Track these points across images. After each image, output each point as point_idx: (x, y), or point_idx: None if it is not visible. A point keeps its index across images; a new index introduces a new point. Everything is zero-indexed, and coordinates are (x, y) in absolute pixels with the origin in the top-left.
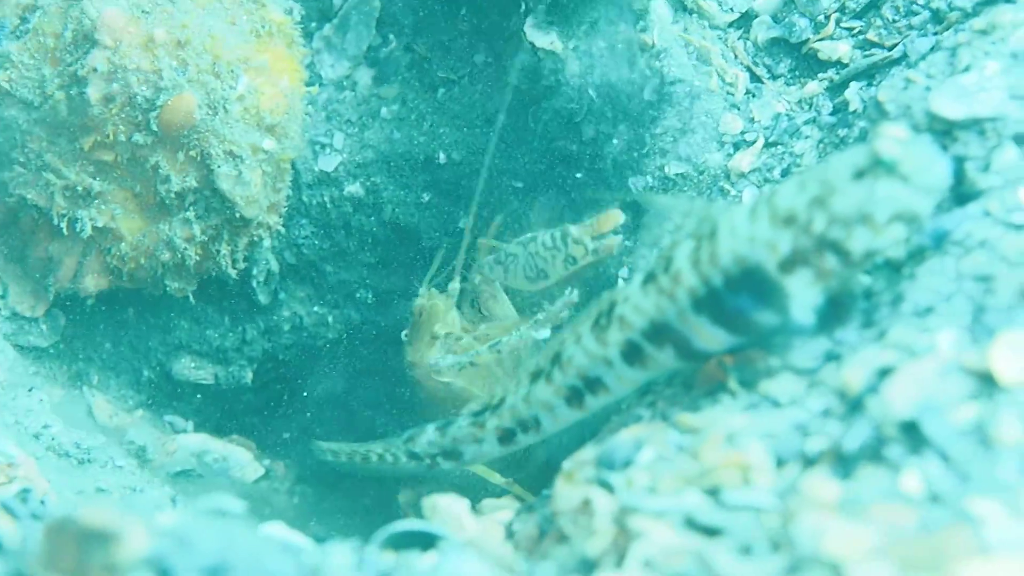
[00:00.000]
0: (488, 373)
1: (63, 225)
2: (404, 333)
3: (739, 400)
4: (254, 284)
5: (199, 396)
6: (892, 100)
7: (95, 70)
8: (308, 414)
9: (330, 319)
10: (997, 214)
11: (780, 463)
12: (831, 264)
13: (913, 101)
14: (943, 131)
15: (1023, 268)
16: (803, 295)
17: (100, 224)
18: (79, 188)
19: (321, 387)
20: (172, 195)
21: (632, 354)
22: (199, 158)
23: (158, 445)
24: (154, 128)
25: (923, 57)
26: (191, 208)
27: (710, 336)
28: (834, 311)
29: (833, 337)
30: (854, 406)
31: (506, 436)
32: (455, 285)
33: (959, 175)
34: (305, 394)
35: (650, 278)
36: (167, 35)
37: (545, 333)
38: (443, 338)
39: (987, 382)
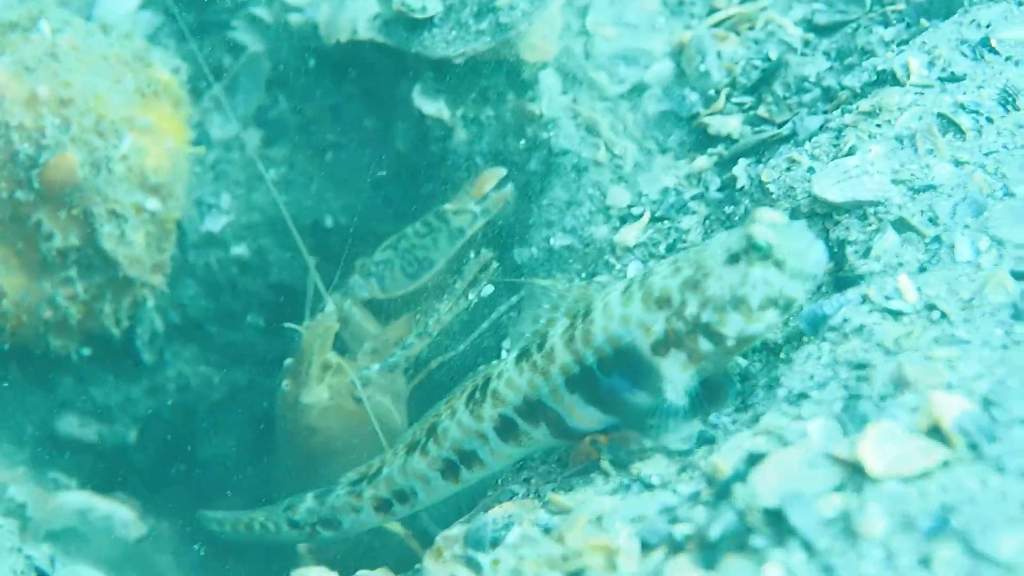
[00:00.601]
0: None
1: None
2: (284, 381)
3: (611, 481)
4: (138, 344)
5: (83, 454)
6: (775, 180)
7: None
8: (195, 473)
9: (216, 380)
10: (875, 300)
11: (646, 547)
12: (705, 347)
13: (796, 182)
14: (825, 214)
15: (898, 356)
16: (676, 377)
17: None
18: None
19: (208, 447)
20: (54, 253)
21: (506, 430)
22: (82, 217)
23: (39, 502)
24: (36, 186)
25: (811, 136)
26: (73, 266)
27: (583, 415)
28: (708, 394)
29: (707, 420)
30: (722, 492)
31: (383, 506)
32: (331, 308)
33: (840, 259)
34: (190, 451)
35: (524, 355)
36: (51, 93)
37: (486, 290)
38: (334, 367)
39: (856, 472)
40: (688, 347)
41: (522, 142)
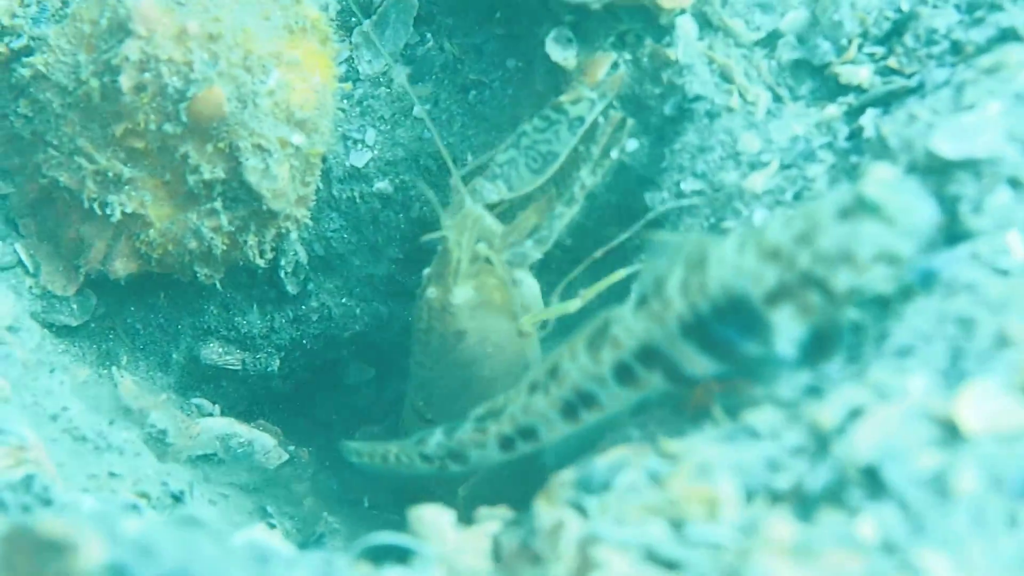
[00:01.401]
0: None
1: (94, 208)
2: (428, 288)
3: (721, 428)
4: (282, 274)
5: (226, 382)
6: (895, 134)
7: (128, 59)
8: (337, 402)
9: (358, 311)
10: (984, 257)
11: (749, 497)
12: (814, 300)
13: (915, 137)
14: (940, 169)
15: (1004, 314)
16: (787, 328)
17: (129, 210)
18: (110, 173)
19: (350, 376)
20: (200, 185)
21: (624, 374)
22: (228, 150)
23: (181, 429)
24: (184, 119)
25: (936, 89)
26: (219, 198)
27: (697, 362)
28: (819, 345)
29: (816, 371)
30: (822, 446)
31: (506, 443)
32: (470, 203)
33: (952, 215)
34: (332, 380)
35: (642, 302)
36: (200, 28)
37: (630, 145)
38: (483, 258)
39: (951, 430)
40: (799, 299)
41: (657, 88)
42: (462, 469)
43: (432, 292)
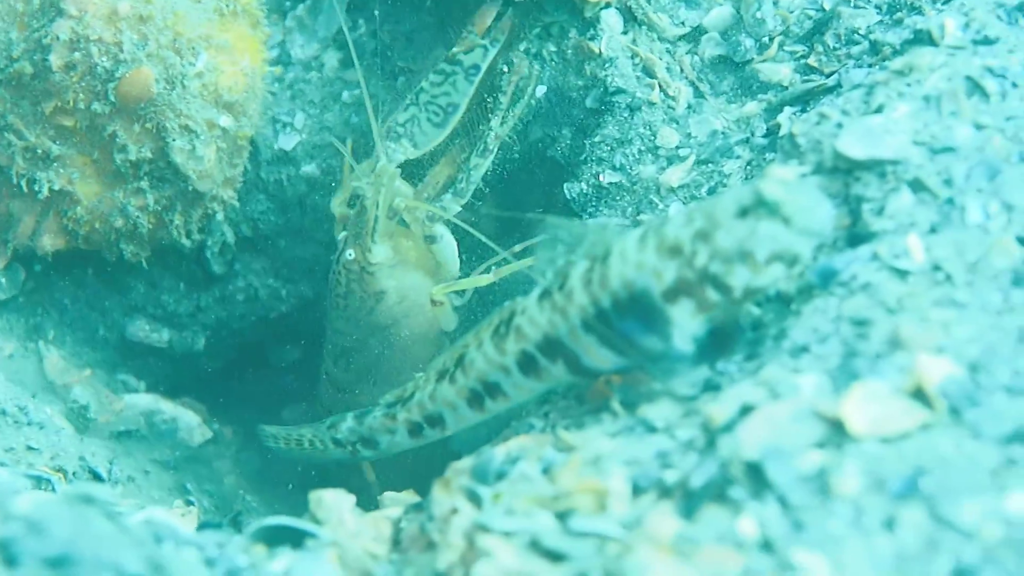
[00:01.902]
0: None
1: (22, 184)
2: (346, 251)
3: (618, 421)
4: (208, 254)
5: (153, 359)
6: (804, 134)
7: (59, 38)
8: (261, 381)
9: (283, 292)
10: (885, 258)
11: (637, 491)
12: (712, 297)
13: (824, 136)
14: (847, 170)
15: (898, 316)
16: (685, 324)
17: (57, 187)
18: (39, 150)
19: (274, 356)
20: (128, 164)
21: (527, 364)
22: (155, 130)
23: (104, 404)
24: (112, 99)
25: (851, 89)
26: (145, 178)
27: (597, 355)
28: (718, 342)
29: (715, 367)
30: (710, 442)
31: (415, 429)
32: (384, 160)
33: (856, 216)
34: (257, 360)
35: (546, 294)
36: (130, 9)
37: (540, 91)
38: (403, 210)
39: (838, 430)
40: (697, 296)
41: (580, 80)
42: (373, 454)
43: (350, 254)
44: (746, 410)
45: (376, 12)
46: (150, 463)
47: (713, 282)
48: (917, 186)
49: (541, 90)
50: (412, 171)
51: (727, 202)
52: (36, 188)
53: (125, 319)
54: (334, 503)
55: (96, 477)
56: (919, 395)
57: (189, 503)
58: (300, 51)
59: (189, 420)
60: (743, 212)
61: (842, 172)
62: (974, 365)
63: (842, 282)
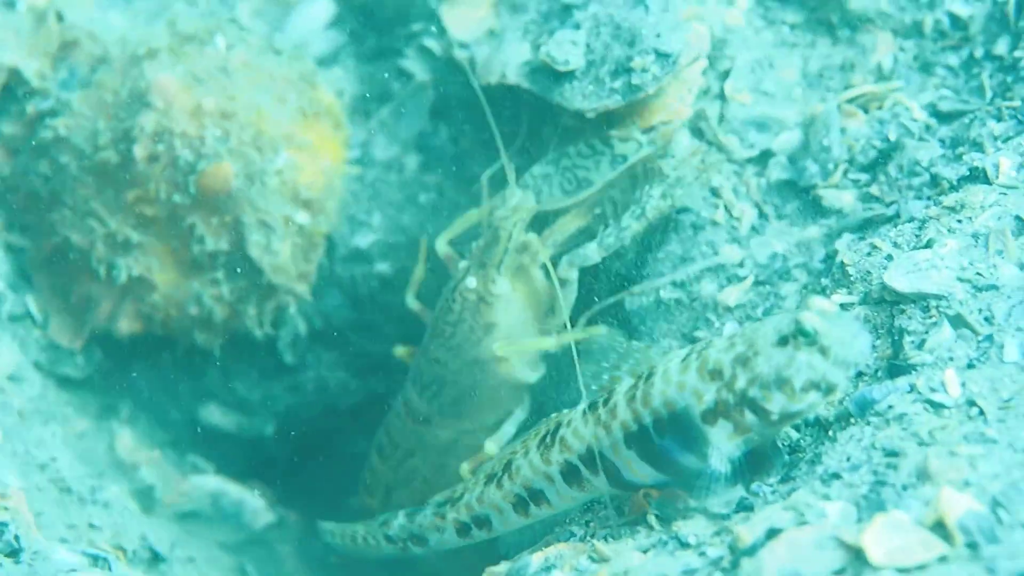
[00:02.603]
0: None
1: (100, 270)
2: (467, 278)
3: (653, 535)
4: (280, 345)
5: (222, 443)
6: (854, 264)
7: (143, 130)
8: (328, 470)
9: (352, 385)
10: (922, 391)
11: None
12: (750, 420)
13: (873, 267)
14: (893, 302)
15: (928, 448)
16: (723, 445)
17: (136, 273)
18: (120, 237)
19: (343, 446)
20: (204, 255)
21: (570, 475)
22: (232, 224)
23: (171, 484)
24: (192, 191)
25: (907, 221)
26: (221, 269)
27: (638, 470)
28: (754, 463)
29: (749, 488)
30: (735, 563)
31: (463, 529)
32: (519, 192)
33: (897, 348)
34: (325, 449)
35: (592, 407)
36: (215, 105)
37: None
38: (531, 250)
39: (858, 558)
40: (735, 418)
41: None
42: (423, 551)
43: (472, 282)
44: (772, 533)
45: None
46: (212, 544)
47: (751, 406)
48: (958, 322)
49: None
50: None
51: (768, 329)
52: (115, 274)
53: (197, 403)
54: None
55: (156, 556)
56: (939, 528)
57: None
58: (382, 152)
59: (254, 504)
60: (783, 340)
61: (888, 304)
62: (996, 501)
63: (878, 412)
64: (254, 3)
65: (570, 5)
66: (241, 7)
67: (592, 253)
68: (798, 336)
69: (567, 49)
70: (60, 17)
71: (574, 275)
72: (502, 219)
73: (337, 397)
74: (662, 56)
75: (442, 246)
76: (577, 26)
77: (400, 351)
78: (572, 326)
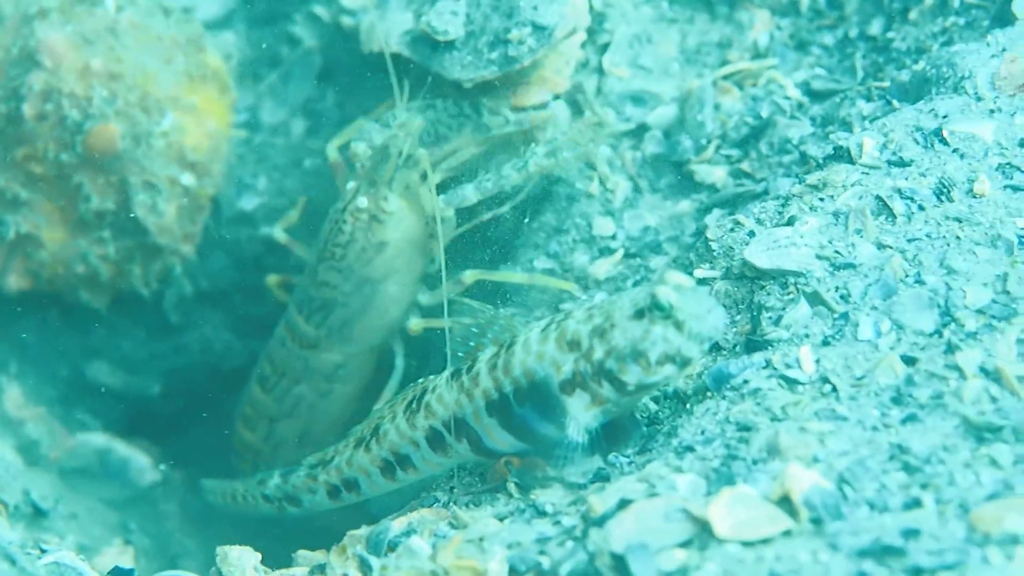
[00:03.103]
0: None
1: None
2: (357, 197)
3: (512, 502)
4: (166, 305)
5: (109, 400)
6: (718, 239)
7: (32, 88)
8: (211, 428)
9: (237, 347)
10: (777, 366)
11: (515, 573)
12: (606, 391)
13: (735, 243)
14: (753, 277)
15: (779, 424)
16: (580, 415)
17: (24, 230)
18: (8, 194)
19: (225, 405)
20: (91, 214)
21: (435, 440)
22: (119, 184)
23: (57, 440)
24: (79, 150)
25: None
26: (107, 228)
27: (498, 438)
28: (612, 434)
29: (607, 458)
30: (585, 532)
31: (333, 492)
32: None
33: (755, 323)
34: (208, 408)
35: (456, 374)
36: (103, 66)
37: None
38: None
39: (704, 531)
40: (592, 389)
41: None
42: (298, 512)
43: (363, 201)
44: (624, 503)
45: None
46: (97, 501)
47: (607, 377)
48: (815, 299)
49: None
50: None
51: (624, 302)
52: (3, 231)
53: (85, 361)
54: (239, 559)
55: (38, 511)
56: (785, 503)
57: (128, 542)
58: (269, 116)
59: (140, 461)
60: (639, 313)
61: (748, 279)
62: (842, 478)
63: (734, 386)
64: None
65: None
66: None
67: (469, 194)
68: (653, 309)
69: (447, 19)
70: None
71: (451, 213)
72: (391, 137)
73: (222, 358)
74: (538, 28)
75: (332, 152)
76: None
77: (272, 279)
78: (447, 265)
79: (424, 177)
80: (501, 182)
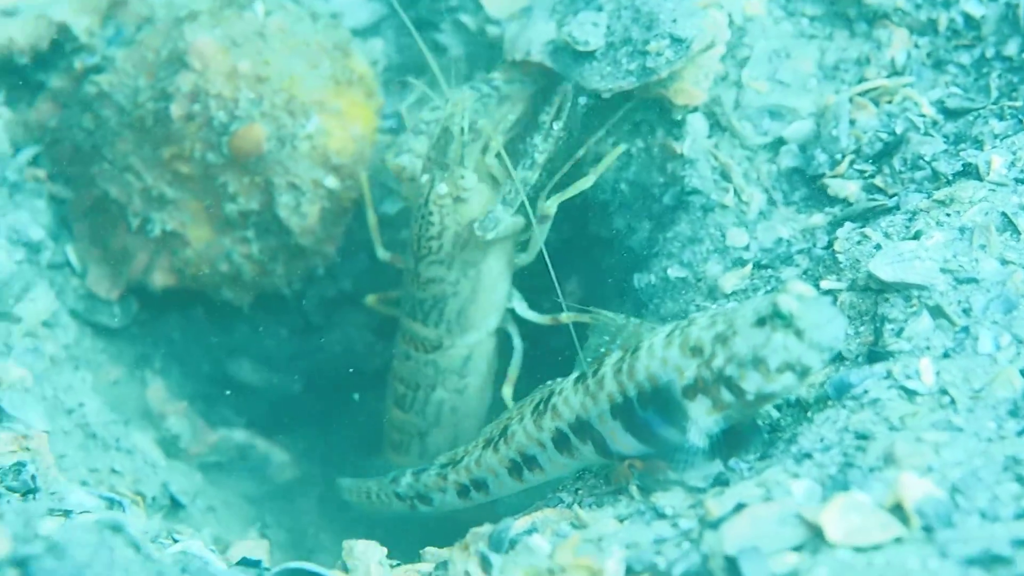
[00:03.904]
0: None
1: (136, 223)
2: (424, 177)
3: (632, 504)
4: (307, 305)
5: (251, 396)
6: (844, 252)
7: (180, 89)
8: (354, 429)
9: (378, 347)
10: (897, 377)
11: (631, 572)
12: (726, 398)
13: (862, 256)
14: (877, 290)
15: (896, 433)
16: (701, 420)
17: (169, 228)
18: (155, 192)
19: (368, 406)
20: (236, 213)
21: (561, 442)
22: (263, 184)
23: (199, 435)
24: (225, 151)
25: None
26: (251, 228)
27: (622, 440)
28: (733, 439)
29: (727, 463)
30: (701, 533)
31: (462, 491)
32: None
33: (878, 334)
34: (350, 407)
35: (581, 378)
36: (250, 68)
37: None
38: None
39: (817, 535)
40: (713, 395)
41: (662, 177)
42: (429, 510)
43: (442, 188)
44: (739, 507)
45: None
46: (235, 495)
47: (728, 384)
48: (937, 312)
49: (582, 100)
50: None
51: (747, 310)
52: (149, 228)
53: (228, 357)
54: (364, 553)
55: (176, 503)
56: (898, 510)
57: (264, 535)
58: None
59: (280, 458)
60: (760, 321)
61: (873, 292)
62: (955, 488)
63: (855, 396)
64: None
65: None
66: None
67: (500, 213)
68: (775, 318)
69: (588, 30)
70: None
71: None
72: (448, 117)
73: (363, 358)
74: (676, 41)
75: (391, 159)
76: (600, 8)
77: (371, 300)
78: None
79: (485, 149)
80: (520, 187)
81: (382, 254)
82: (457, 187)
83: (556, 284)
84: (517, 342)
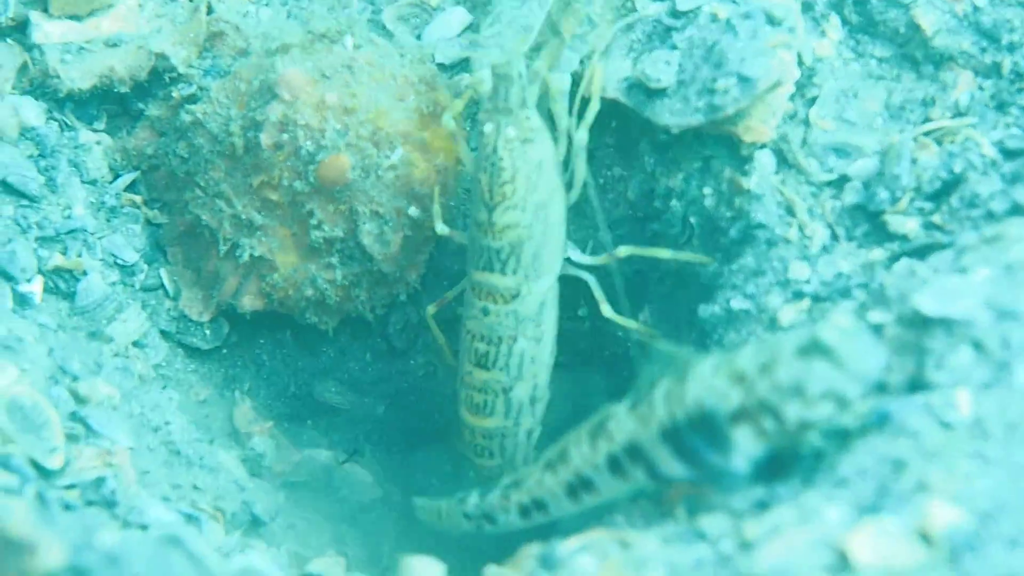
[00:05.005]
0: None
1: (226, 248)
2: (487, 128)
3: (678, 526)
4: (390, 330)
5: (336, 418)
6: (894, 286)
7: (270, 119)
8: (432, 453)
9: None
10: (935, 408)
11: None
12: (769, 425)
13: (909, 290)
14: (921, 324)
15: (932, 462)
16: (745, 446)
17: (258, 253)
18: (244, 218)
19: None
20: (321, 240)
21: (614, 466)
22: (348, 212)
23: (283, 455)
24: (311, 179)
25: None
26: (336, 254)
27: (671, 465)
28: (776, 465)
29: (770, 488)
30: (736, 556)
31: (524, 512)
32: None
33: (920, 366)
34: (432, 432)
35: (635, 404)
36: (338, 100)
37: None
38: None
39: (845, 560)
40: (756, 422)
41: (729, 212)
42: (495, 530)
43: (511, 131)
44: (774, 530)
45: None
46: (316, 513)
47: (770, 411)
48: (978, 346)
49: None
50: None
51: (790, 340)
52: (239, 253)
53: (314, 379)
54: (422, 570)
55: (256, 520)
56: (925, 537)
57: (342, 554)
58: None
59: (363, 479)
60: (803, 351)
61: (918, 325)
62: (984, 516)
63: (894, 425)
64: (399, 8)
65: (671, 28)
66: (387, 11)
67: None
68: (815, 348)
69: (661, 68)
70: (210, 9)
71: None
72: (504, 65)
73: (444, 383)
74: (743, 80)
75: (448, 122)
76: (674, 47)
77: (432, 309)
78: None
79: (544, 87)
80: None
81: (441, 228)
82: (524, 128)
83: (602, 222)
84: (586, 275)
